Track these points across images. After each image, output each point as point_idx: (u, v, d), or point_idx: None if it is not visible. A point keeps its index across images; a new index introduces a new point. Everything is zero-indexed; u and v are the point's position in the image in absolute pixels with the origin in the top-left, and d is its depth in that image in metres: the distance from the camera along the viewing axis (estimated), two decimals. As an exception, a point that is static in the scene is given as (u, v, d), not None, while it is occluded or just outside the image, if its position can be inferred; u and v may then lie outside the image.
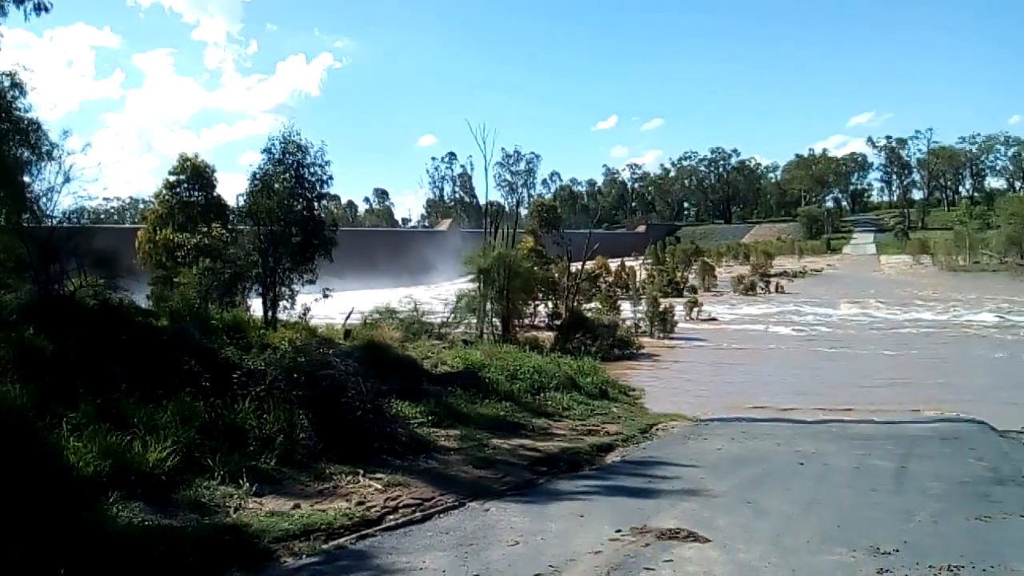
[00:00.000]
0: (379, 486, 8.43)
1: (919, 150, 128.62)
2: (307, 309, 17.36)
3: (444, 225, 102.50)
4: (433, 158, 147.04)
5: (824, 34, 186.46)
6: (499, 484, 9.13)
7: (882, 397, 16.93)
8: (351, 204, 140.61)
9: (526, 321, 28.06)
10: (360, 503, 7.85)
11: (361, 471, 8.80)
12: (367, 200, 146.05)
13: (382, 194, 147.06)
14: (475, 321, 22.32)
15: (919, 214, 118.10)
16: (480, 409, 12.95)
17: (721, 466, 10.08)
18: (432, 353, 16.87)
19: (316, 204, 17.16)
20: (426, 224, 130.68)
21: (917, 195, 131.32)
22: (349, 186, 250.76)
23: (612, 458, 11.31)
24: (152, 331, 11.16)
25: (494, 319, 22.23)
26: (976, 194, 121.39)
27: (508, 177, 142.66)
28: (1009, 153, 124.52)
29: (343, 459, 9.13)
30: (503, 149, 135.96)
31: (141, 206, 73.53)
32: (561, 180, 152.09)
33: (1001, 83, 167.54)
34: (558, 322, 26.67)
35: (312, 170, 16.70)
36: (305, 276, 16.93)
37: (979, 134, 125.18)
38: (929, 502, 8.00)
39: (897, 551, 6.27)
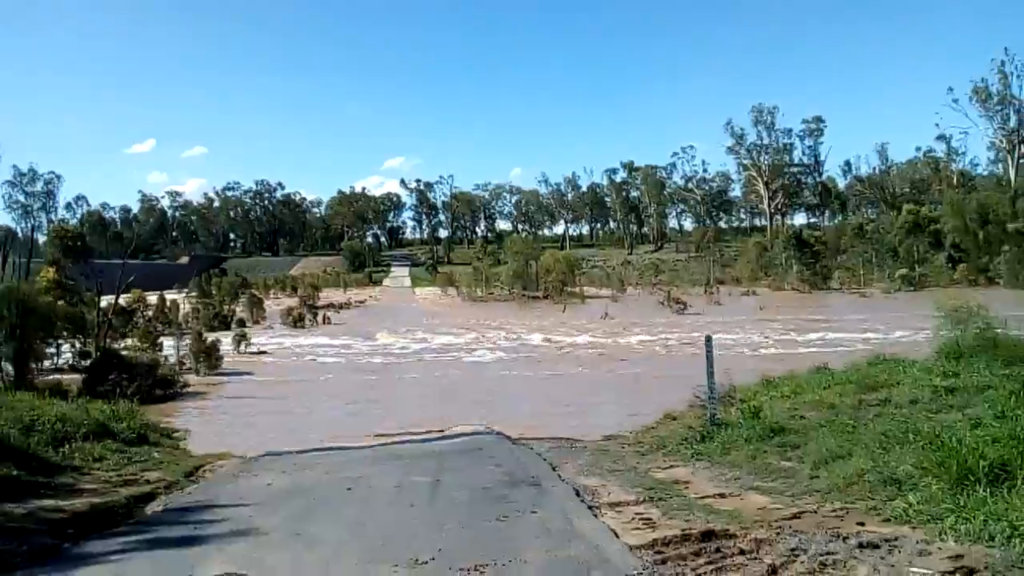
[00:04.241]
0: None
1: (444, 194, 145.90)
2: None
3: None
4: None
5: (359, 77, 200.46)
6: (12, 557, 7.82)
7: (419, 416, 18.60)
8: None
9: (48, 364, 24.60)
10: None
11: None
12: None
13: None
14: (-24, 368, 18.62)
15: (445, 250, 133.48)
16: (-16, 472, 10.87)
17: (271, 502, 10.03)
18: (-85, 410, 13.63)
19: None
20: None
21: (443, 233, 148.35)
22: None
23: (154, 508, 10.46)
24: None
25: (5, 363, 18.86)
26: (489, 234, 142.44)
27: (21, 199, 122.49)
28: (513, 200, 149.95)
29: None
30: (15, 166, 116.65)
31: None
32: (89, 205, 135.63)
33: (504, 139, 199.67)
34: (88, 363, 23.80)
35: None
36: None
37: (490, 182, 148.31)
38: (459, 510, 8.88)
39: (433, 559, 6.91)
